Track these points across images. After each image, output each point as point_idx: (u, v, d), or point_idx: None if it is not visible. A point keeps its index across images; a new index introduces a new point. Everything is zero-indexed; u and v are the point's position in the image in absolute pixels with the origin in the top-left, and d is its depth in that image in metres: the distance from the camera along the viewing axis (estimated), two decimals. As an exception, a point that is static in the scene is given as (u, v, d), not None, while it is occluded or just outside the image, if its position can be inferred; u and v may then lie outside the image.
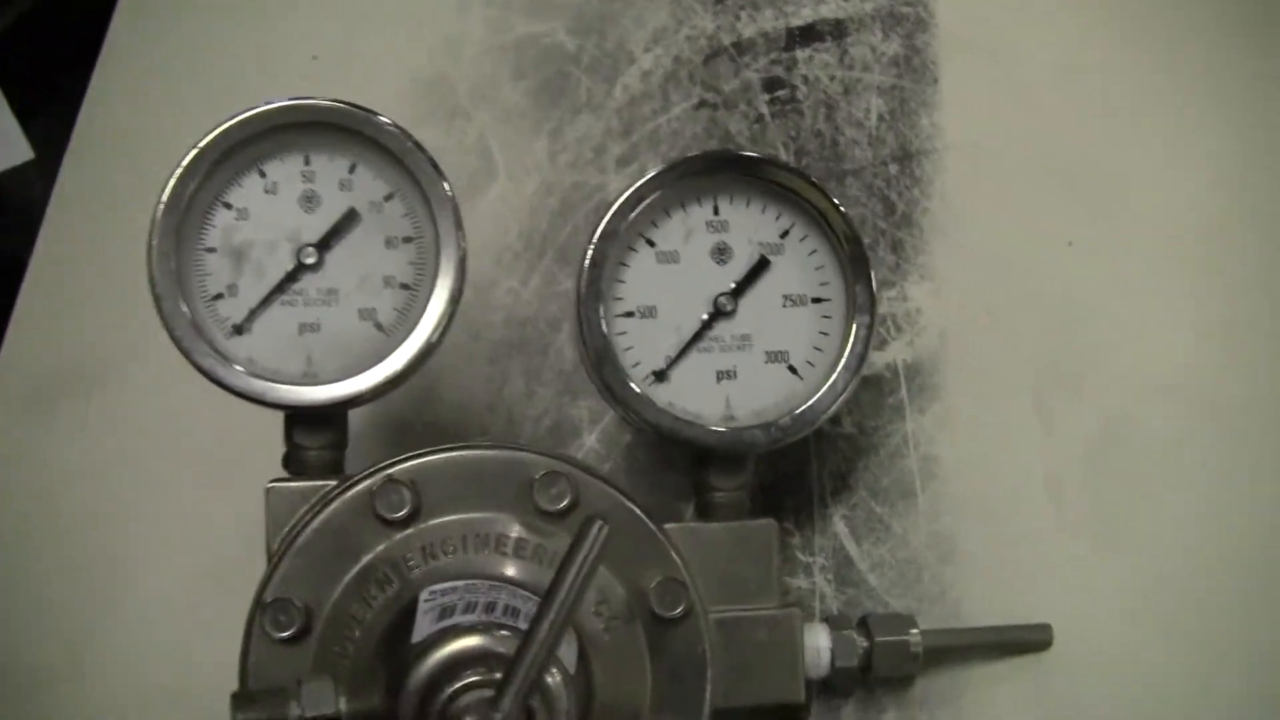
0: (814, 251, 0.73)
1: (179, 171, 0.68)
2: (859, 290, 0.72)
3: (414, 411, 0.86)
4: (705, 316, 0.72)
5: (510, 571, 0.65)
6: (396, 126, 0.70)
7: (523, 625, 0.60)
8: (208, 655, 0.66)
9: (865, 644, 0.73)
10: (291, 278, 0.70)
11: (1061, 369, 0.86)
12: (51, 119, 1.02)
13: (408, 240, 0.71)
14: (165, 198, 0.68)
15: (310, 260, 0.70)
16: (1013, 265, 0.88)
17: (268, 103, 0.69)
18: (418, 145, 0.70)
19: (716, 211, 0.73)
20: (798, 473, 0.84)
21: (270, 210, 0.70)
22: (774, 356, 0.72)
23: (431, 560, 0.65)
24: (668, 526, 0.69)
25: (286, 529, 0.66)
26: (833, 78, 0.92)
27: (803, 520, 0.83)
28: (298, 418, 0.70)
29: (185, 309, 0.68)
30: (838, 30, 0.93)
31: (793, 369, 0.72)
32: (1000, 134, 0.91)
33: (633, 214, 0.71)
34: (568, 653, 0.61)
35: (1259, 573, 0.81)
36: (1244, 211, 0.90)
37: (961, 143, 0.91)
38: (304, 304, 0.70)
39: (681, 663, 0.67)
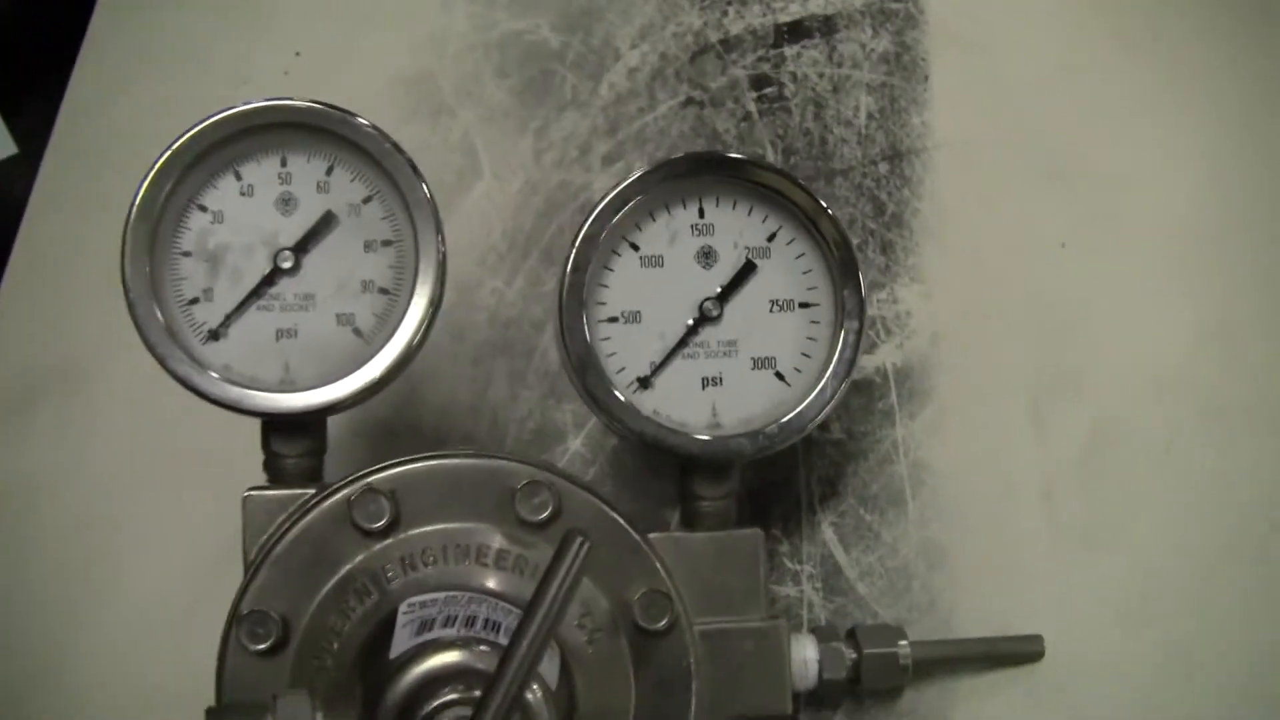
0: (802, 255, 0.72)
1: (152, 174, 0.67)
2: (848, 295, 0.70)
3: (395, 413, 0.85)
4: (691, 322, 0.70)
5: (491, 583, 0.64)
6: (375, 128, 0.69)
7: (504, 640, 0.59)
8: (193, 657, 0.65)
9: (854, 656, 0.72)
10: (268, 282, 0.69)
11: (1054, 372, 0.85)
12: (33, 115, 1.01)
13: (387, 244, 0.70)
14: (138, 201, 0.67)
15: (287, 264, 0.68)
16: (1004, 267, 0.87)
17: (244, 103, 0.68)
18: (396, 147, 0.69)
19: (702, 214, 0.72)
20: (785, 479, 0.83)
21: (246, 213, 0.69)
22: (761, 363, 0.71)
23: (411, 571, 0.64)
24: (652, 536, 0.68)
25: (264, 538, 0.66)
26: (821, 75, 0.91)
27: (791, 527, 0.82)
28: (275, 425, 0.69)
29: (159, 314, 0.67)
30: (826, 26, 0.92)
31: (780, 375, 0.71)
32: (992, 133, 0.90)
33: (615, 217, 0.70)
34: (549, 667, 0.60)
35: (1256, 578, 0.81)
36: (1239, 212, 0.89)
37: (952, 141, 0.89)
38: (281, 309, 0.69)
39: (666, 676, 0.66)
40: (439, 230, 0.69)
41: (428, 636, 0.60)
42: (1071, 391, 0.84)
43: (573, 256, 0.69)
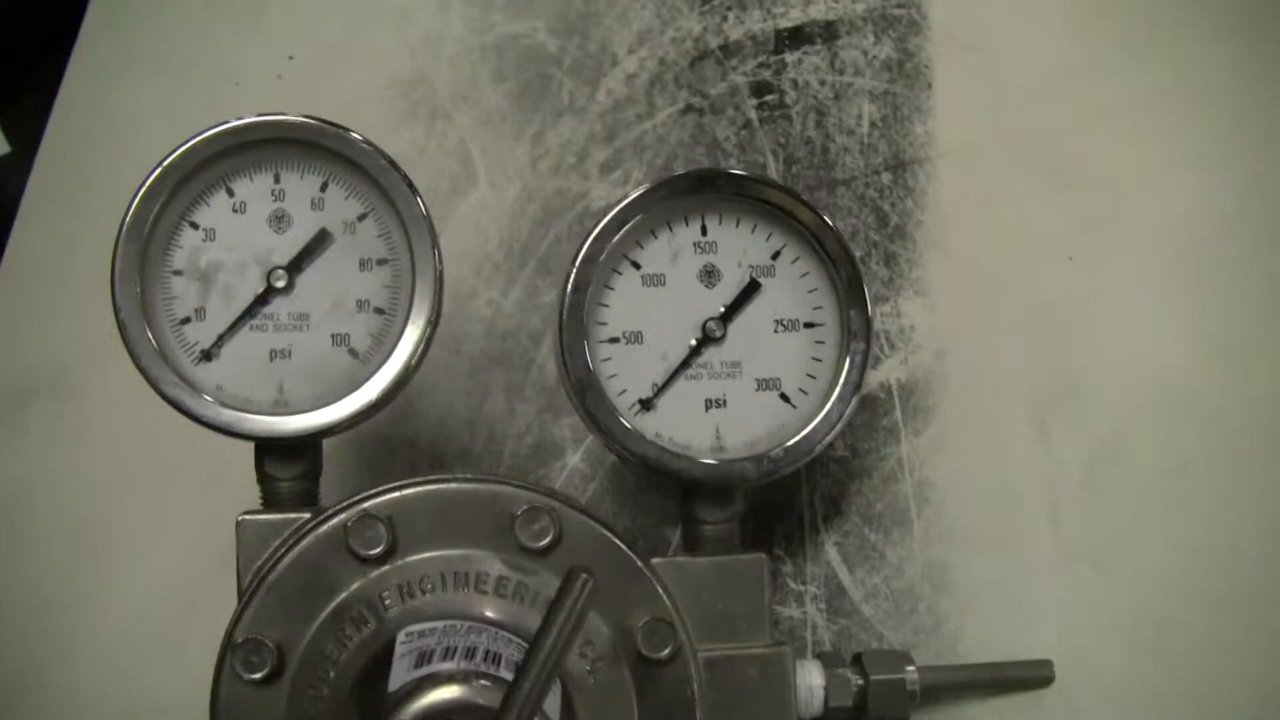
0: (807, 274, 0.70)
1: (142, 191, 0.66)
2: (854, 315, 0.69)
3: (391, 427, 0.84)
4: (693, 342, 0.69)
5: (491, 612, 0.63)
6: (370, 143, 0.67)
7: (504, 673, 0.58)
8: (187, 662, 0.64)
9: (860, 682, 0.71)
10: (261, 301, 0.67)
11: (1061, 388, 0.83)
12: (25, 114, 1.00)
13: (382, 262, 0.68)
14: (128, 219, 0.66)
15: (280, 283, 0.67)
16: (1009, 280, 0.85)
17: (236, 119, 0.67)
18: (392, 163, 0.67)
19: (704, 232, 0.70)
20: (788, 497, 0.81)
21: (239, 230, 0.68)
22: (765, 384, 0.69)
23: (409, 599, 0.63)
24: (654, 561, 0.66)
25: (258, 564, 0.64)
26: (823, 82, 0.89)
27: (794, 547, 0.81)
28: (268, 448, 0.67)
29: (150, 335, 0.66)
30: (828, 32, 0.91)
31: (785, 397, 0.69)
32: (996, 142, 0.88)
33: (615, 237, 0.68)
34: (552, 702, 0.59)
35: (1266, 596, 0.79)
36: (1243, 215, 0.87)
37: (956, 151, 0.88)
38: (274, 329, 0.67)
39: (669, 705, 0.64)
40: (436, 248, 0.67)
41: (427, 669, 0.58)
42: (1078, 407, 0.83)
43: (573, 277, 0.68)
